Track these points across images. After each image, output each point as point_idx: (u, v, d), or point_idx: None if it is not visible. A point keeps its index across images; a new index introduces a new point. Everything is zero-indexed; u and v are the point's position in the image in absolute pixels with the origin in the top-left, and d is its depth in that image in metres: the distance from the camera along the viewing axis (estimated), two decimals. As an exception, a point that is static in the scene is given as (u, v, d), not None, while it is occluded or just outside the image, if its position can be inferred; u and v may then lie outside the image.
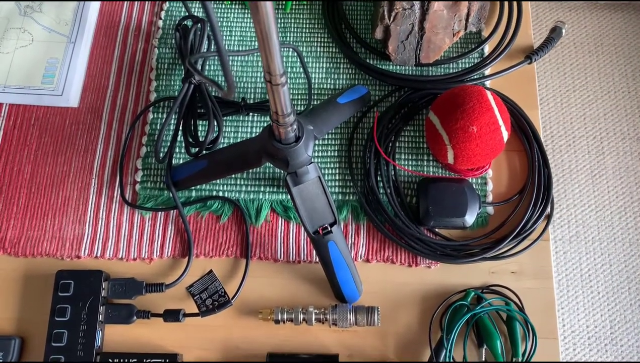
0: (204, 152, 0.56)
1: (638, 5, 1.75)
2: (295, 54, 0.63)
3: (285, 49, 0.63)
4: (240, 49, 0.65)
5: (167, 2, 0.67)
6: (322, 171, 0.59)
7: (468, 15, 0.60)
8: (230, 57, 0.64)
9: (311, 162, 0.48)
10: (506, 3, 0.65)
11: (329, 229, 0.50)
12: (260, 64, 0.64)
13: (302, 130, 0.45)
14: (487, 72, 0.63)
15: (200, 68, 0.60)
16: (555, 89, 1.68)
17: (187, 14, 0.65)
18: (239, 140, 0.60)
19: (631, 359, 1.46)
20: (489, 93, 0.54)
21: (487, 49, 0.64)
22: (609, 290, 1.49)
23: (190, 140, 0.57)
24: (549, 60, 1.71)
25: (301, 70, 0.63)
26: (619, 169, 1.60)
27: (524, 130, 0.60)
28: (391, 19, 0.59)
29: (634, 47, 1.72)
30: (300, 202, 0.49)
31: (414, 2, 0.59)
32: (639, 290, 1.49)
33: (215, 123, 0.57)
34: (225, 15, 0.66)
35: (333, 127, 0.58)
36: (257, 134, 0.60)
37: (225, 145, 0.60)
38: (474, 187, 0.58)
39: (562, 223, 1.55)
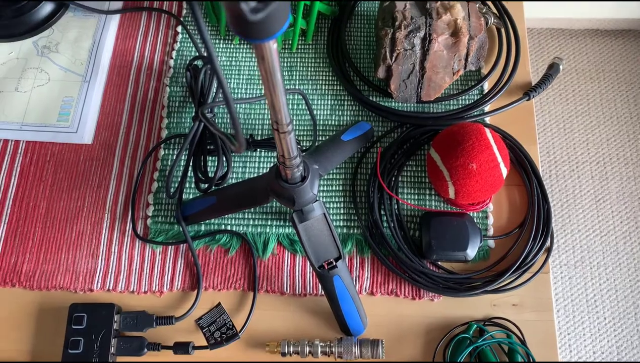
0: (214, 187, 0.58)
1: (638, 32, 1.78)
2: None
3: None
4: (248, 87, 0.67)
5: (179, 42, 0.69)
6: (327, 205, 0.61)
7: (467, 55, 0.62)
8: (239, 96, 0.66)
9: (316, 200, 0.50)
10: (505, 41, 0.67)
11: (334, 264, 0.51)
12: (266, 107, 0.66)
13: (308, 170, 0.47)
14: (487, 108, 0.65)
15: (210, 110, 0.63)
16: (557, 115, 1.70)
17: (197, 54, 0.68)
18: (247, 175, 0.62)
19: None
20: (487, 131, 0.56)
21: (486, 85, 0.67)
22: (615, 315, 1.49)
23: (200, 176, 0.59)
24: (551, 87, 1.74)
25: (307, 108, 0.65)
26: (623, 193, 1.61)
27: (523, 166, 0.62)
28: (393, 59, 0.61)
29: (634, 73, 1.74)
30: (306, 238, 0.50)
31: (414, 43, 0.61)
32: (646, 315, 1.49)
33: (224, 159, 0.59)
34: (234, 54, 0.69)
35: (337, 164, 0.60)
36: (265, 171, 0.62)
37: (234, 180, 0.62)
38: (475, 220, 0.60)
39: (567, 248, 1.56)
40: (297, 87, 0.67)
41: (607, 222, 1.58)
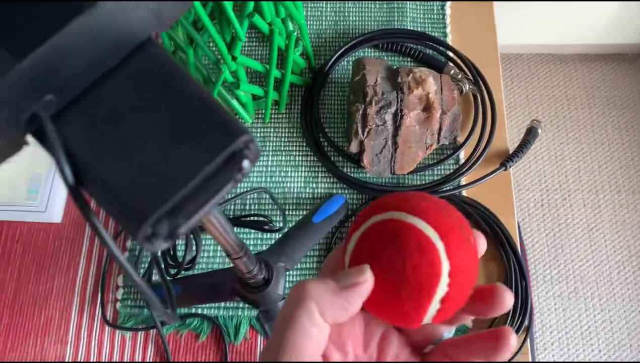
0: (183, 273, 0.57)
1: (628, 56, 1.77)
2: (275, 163, 0.65)
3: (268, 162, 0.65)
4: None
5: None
6: (301, 285, 0.60)
7: (440, 129, 0.61)
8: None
9: (283, 298, 0.49)
10: (480, 108, 0.66)
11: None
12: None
13: (272, 271, 0.46)
14: (463, 181, 0.64)
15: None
16: (549, 142, 1.69)
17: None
18: (217, 256, 0.61)
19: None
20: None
21: (462, 155, 0.65)
22: (610, 348, 1.47)
23: (169, 260, 0.58)
24: (542, 114, 1.73)
25: (282, 178, 0.64)
26: (616, 222, 1.59)
27: (499, 240, 0.61)
28: (365, 135, 0.60)
29: (625, 98, 1.73)
30: (273, 336, 0.49)
31: (386, 119, 0.60)
32: (641, 347, 1.47)
33: (194, 242, 0.58)
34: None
35: (309, 249, 0.59)
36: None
37: (205, 263, 0.61)
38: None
39: (560, 279, 1.54)
40: (271, 159, 0.66)
41: (601, 251, 1.57)
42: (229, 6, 0.51)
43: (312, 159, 0.66)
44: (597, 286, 1.53)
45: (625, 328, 1.49)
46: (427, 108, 0.60)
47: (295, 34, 0.59)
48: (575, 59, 1.79)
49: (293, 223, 0.61)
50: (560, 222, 1.60)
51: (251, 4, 0.53)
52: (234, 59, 0.57)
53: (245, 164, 0.19)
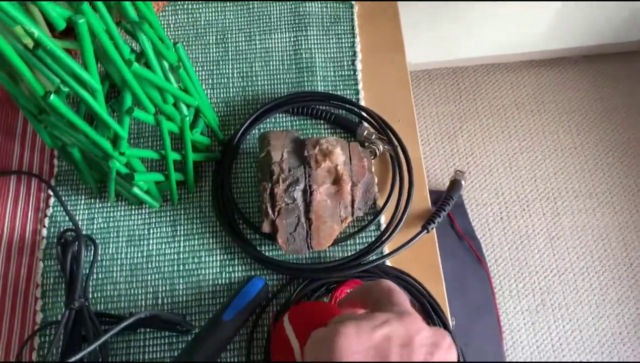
0: (89, 389, 0.53)
1: (572, 59, 1.78)
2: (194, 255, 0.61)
3: (179, 252, 0.61)
4: (129, 250, 0.62)
5: (51, 208, 0.64)
6: (222, 383, 0.56)
7: (353, 201, 0.58)
8: (120, 262, 0.61)
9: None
10: (397, 170, 0.63)
11: None
12: (149, 272, 0.61)
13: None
14: (386, 248, 0.61)
15: (84, 286, 0.57)
16: (502, 153, 1.68)
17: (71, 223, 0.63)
18: (131, 358, 0.57)
19: None
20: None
21: (383, 219, 0.62)
22: (582, 357, 1.46)
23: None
24: (492, 125, 1.72)
25: (196, 264, 0.60)
26: (576, 228, 1.59)
27: (427, 311, 0.58)
28: (276, 214, 0.57)
29: (573, 101, 1.73)
30: None
31: (295, 196, 0.56)
32: (612, 353, 1.46)
33: (98, 348, 0.54)
34: (112, 214, 0.63)
35: (223, 351, 0.55)
36: (151, 352, 0.57)
37: (116, 369, 0.56)
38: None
39: (527, 292, 1.53)
40: (183, 245, 0.62)
41: (564, 259, 1.56)
42: (101, 109, 0.47)
43: (227, 240, 0.62)
44: (564, 295, 1.52)
45: (595, 335, 1.48)
46: (337, 181, 0.57)
47: (188, 118, 0.55)
48: (520, 66, 1.79)
49: (210, 315, 0.57)
50: (522, 233, 1.59)
51: (129, 99, 0.50)
52: (121, 154, 0.53)
53: None
